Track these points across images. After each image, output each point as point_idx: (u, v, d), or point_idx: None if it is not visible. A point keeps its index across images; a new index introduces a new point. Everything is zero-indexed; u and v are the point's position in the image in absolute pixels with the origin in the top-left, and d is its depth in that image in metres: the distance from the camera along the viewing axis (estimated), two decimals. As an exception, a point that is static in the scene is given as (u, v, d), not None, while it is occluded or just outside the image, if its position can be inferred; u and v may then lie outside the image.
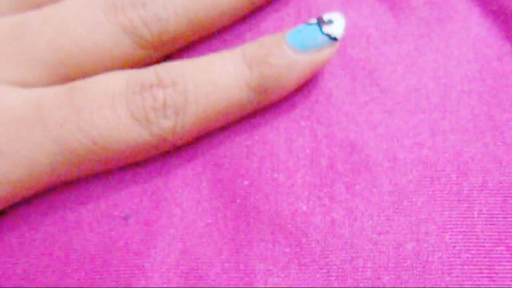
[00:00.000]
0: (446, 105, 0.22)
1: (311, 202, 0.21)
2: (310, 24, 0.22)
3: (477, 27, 0.24)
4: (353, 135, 0.22)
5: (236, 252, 0.20)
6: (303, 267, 0.20)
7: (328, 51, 0.22)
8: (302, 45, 0.21)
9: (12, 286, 0.20)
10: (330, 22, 0.22)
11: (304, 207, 0.21)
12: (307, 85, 0.23)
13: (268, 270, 0.20)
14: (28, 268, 0.20)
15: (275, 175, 0.21)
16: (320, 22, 0.21)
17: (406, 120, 0.22)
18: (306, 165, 0.21)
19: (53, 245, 0.20)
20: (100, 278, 0.20)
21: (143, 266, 0.20)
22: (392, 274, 0.19)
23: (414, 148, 0.22)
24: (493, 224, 0.20)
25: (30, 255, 0.20)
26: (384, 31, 0.24)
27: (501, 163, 0.21)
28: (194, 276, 0.20)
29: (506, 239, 0.20)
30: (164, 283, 0.19)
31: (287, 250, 0.20)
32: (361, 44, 0.24)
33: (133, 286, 0.19)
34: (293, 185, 0.21)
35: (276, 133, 0.22)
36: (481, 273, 0.19)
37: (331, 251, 0.20)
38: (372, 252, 0.20)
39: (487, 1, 0.24)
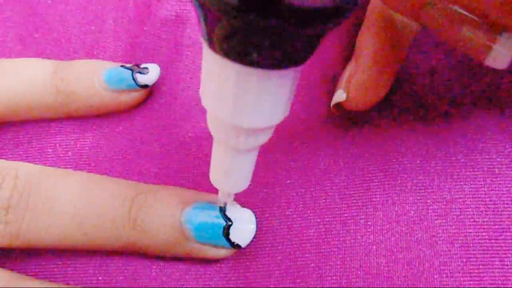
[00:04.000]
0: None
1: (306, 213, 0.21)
2: (125, 67, 0.23)
3: None
4: (348, 146, 0.23)
5: None
6: (298, 280, 0.21)
7: (135, 95, 0.23)
8: (111, 83, 0.23)
9: None
10: (144, 70, 0.23)
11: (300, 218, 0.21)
12: None
13: None
14: None
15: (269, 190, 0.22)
16: (134, 68, 0.23)
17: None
18: (302, 177, 0.22)
19: None
20: None
21: None
22: (384, 283, 0.20)
23: (407, 157, 0.22)
24: (485, 232, 0.20)
25: None
26: None
27: (494, 171, 0.21)
28: None
29: (497, 247, 0.20)
30: None
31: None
32: None
33: None
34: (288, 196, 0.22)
35: None
36: (472, 280, 0.20)
37: (324, 261, 0.21)
38: (364, 262, 0.20)
39: None
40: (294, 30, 0.13)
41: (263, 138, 0.17)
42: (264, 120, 0.15)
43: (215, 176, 0.18)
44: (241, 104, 0.15)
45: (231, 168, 0.18)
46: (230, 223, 0.20)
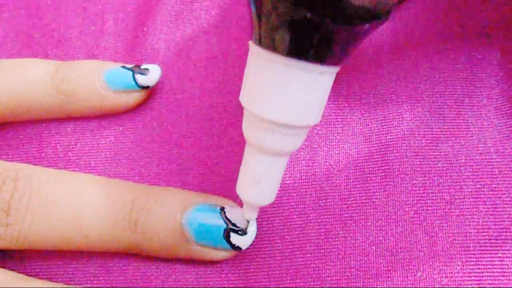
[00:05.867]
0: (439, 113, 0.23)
1: (306, 214, 0.22)
2: (126, 68, 0.23)
3: None
4: (348, 146, 0.23)
5: None
6: (297, 280, 0.21)
7: (135, 95, 0.23)
8: (112, 84, 0.23)
9: None
10: (144, 71, 0.23)
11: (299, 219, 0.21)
12: None
13: None
14: None
15: None
16: (135, 69, 0.23)
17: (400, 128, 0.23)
18: (302, 177, 0.22)
19: None
20: None
21: None
22: (383, 283, 0.20)
23: (407, 157, 0.22)
24: (485, 232, 0.21)
25: None
26: None
27: (493, 172, 0.21)
28: None
29: (497, 247, 0.20)
30: None
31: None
32: None
33: None
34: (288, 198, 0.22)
35: None
36: (471, 280, 0.20)
37: (324, 262, 0.21)
38: (363, 262, 0.20)
39: None
40: (338, 27, 0.15)
41: (296, 142, 0.18)
42: (299, 118, 0.17)
43: (243, 186, 0.19)
44: (280, 98, 0.16)
45: (261, 175, 0.18)
46: (230, 225, 0.20)
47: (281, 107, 0.17)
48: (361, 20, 0.15)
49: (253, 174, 0.18)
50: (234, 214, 0.20)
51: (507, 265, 0.20)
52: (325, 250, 0.21)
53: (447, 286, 0.20)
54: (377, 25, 0.16)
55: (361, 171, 0.22)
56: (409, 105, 0.23)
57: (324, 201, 0.22)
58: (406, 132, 0.22)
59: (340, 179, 0.22)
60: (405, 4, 0.25)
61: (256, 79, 0.17)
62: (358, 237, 0.21)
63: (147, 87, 0.23)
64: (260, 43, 0.16)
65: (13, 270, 0.21)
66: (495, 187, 0.21)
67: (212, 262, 0.21)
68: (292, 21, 0.15)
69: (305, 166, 0.22)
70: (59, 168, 0.23)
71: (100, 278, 0.21)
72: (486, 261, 0.20)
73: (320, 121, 0.23)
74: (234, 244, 0.20)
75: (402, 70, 0.24)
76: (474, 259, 0.20)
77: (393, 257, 0.20)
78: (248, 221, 0.20)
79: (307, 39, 0.15)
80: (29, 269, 0.21)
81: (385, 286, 0.20)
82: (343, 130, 0.23)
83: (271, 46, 0.16)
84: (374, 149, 0.22)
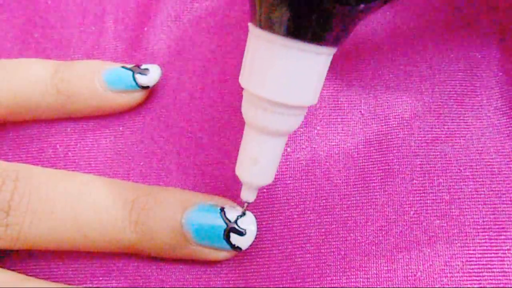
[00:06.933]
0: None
1: (306, 214, 0.22)
2: (126, 68, 0.23)
3: None
4: (348, 145, 0.23)
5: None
6: (298, 280, 0.21)
7: (135, 95, 0.23)
8: (112, 84, 0.23)
9: None
10: (145, 71, 0.23)
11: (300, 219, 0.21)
12: None
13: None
14: None
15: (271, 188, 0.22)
16: (135, 69, 0.23)
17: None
18: (302, 177, 0.22)
19: None
20: None
21: None
22: (383, 283, 0.20)
23: (407, 157, 0.22)
24: (485, 232, 0.21)
25: None
26: None
27: (493, 172, 0.21)
28: None
29: (497, 247, 0.20)
30: None
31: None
32: None
33: None
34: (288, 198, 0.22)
35: None
36: (471, 280, 0.20)
37: (324, 262, 0.21)
38: (364, 262, 0.20)
39: None
40: (335, 6, 0.16)
41: (294, 122, 0.18)
42: (296, 97, 0.17)
43: (242, 166, 0.19)
44: (277, 78, 0.17)
45: (259, 155, 0.18)
46: (230, 225, 0.20)
47: (278, 87, 0.17)
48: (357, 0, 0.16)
49: (251, 154, 0.19)
50: (235, 214, 0.20)
51: (507, 265, 0.20)
52: (325, 250, 0.21)
53: (447, 286, 0.20)
54: (373, 7, 0.17)
55: (361, 171, 0.22)
56: (409, 105, 0.23)
57: (324, 201, 0.22)
58: (406, 132, 0.23)
59: (340, 179, 0.22)
60: (405, 3, 0.25)
61: (254, 59, 0.17)
62: (358, 237, 0.21)
63: (147, 87, 0.23)
64: (259, 24, 0.17)
65: (13, 270, 0.21)
66: (495, 187, 0.21)
67: (212, 262, 0.21)
68: (290, 0, 0.16)
69: (305, 166, 0.22)
70: (59, 168, 0.23)
71: (100, 278, 0.21)
72: (486, 261, 0.20)
73: (320, 121, 0.23)
74: (234, 244, 0.20)
75: (402, 70, 0.24)
76: (474, 259, 0.20)
77: (393, 257, 0.20)
78: (247, 203, 0.20)
79: (303, 19, 0.16)
80: (29, 269, 0.21)
81: (385, 286, 0.20)
82: (343, 130, 0.23)
83: (269, 26, 0.16)
84: (374, 149, 0.22)
